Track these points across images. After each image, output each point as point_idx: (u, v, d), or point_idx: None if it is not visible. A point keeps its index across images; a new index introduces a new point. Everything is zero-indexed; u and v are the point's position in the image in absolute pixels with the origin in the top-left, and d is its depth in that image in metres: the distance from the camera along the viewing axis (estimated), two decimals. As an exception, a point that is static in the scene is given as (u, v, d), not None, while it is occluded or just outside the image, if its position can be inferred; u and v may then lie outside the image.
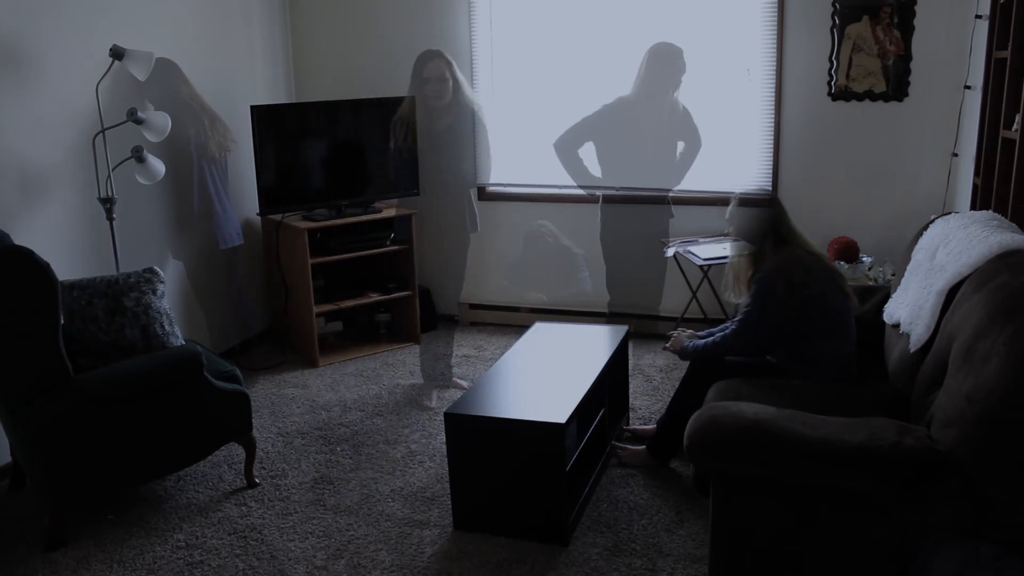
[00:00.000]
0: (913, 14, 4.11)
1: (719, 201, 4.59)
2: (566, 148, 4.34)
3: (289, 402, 4.04)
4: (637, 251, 4.65)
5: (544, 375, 3.23)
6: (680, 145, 4.41)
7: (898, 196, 4.31)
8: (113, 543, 2.87)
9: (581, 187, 4.54)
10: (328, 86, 5.01)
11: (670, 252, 4.44)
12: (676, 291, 4.65)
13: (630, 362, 3.90)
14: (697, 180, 4.58)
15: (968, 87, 3.99)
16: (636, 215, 4.59)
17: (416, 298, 4.76)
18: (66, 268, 3.25)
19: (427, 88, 4.00)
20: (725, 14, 4.38)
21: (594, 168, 4.45)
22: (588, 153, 4.45)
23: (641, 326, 4.69)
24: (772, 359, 3.10)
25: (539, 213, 4.89)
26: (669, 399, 3.29)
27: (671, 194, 4.50)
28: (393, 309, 4.90)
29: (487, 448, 2.82)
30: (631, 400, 3.88)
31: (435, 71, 3.96)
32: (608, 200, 4.61)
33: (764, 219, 3.06)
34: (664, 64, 4.14)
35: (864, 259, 4.06)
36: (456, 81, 4.00)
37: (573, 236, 4.85)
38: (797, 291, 2.90)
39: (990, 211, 2.99)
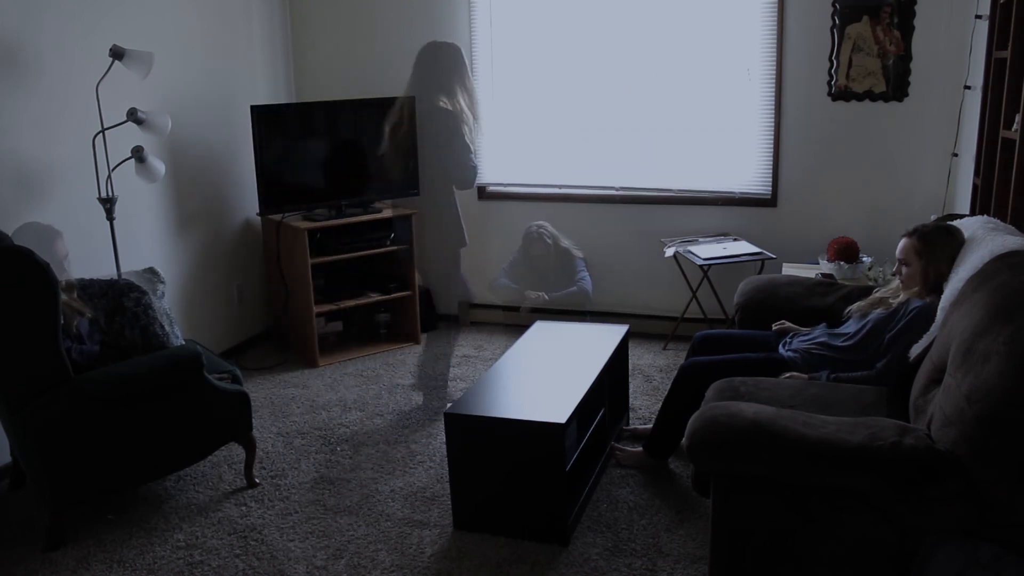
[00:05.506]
0: (913, 14, 4.11)
1: (719, 201, 4.60)
2: None
3: (289, 402, 4.04)
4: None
5: (544, 375, 3.23)
6: None
7: (898, 196, 4.31)
8: (113, 543, 2.87)
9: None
10: (328, 86, 5.00)
11: (670, 252, 4.43)
12: (676, 291, 4.65)
13: (630, 362, 3.90)
14: (697, 180, 4.58)
15: (968, 87, 3.98)
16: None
17: (416, 298, 4.76)
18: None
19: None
20: (725, 14, 4.38)
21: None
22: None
23: (638, 326, 4.69)
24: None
25: (539, 213, 4.88)
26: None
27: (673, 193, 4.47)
28: (393, 309, 4.90)
29: (487, 448, 2.82)
30: (631, 400, 3.88)
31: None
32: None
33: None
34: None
35: (864, 259, 4.06)
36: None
37: (573, 236, 4.85)
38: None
39: (985, 216, 2.99)
